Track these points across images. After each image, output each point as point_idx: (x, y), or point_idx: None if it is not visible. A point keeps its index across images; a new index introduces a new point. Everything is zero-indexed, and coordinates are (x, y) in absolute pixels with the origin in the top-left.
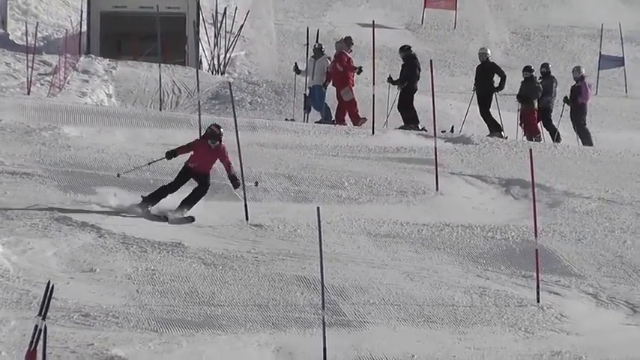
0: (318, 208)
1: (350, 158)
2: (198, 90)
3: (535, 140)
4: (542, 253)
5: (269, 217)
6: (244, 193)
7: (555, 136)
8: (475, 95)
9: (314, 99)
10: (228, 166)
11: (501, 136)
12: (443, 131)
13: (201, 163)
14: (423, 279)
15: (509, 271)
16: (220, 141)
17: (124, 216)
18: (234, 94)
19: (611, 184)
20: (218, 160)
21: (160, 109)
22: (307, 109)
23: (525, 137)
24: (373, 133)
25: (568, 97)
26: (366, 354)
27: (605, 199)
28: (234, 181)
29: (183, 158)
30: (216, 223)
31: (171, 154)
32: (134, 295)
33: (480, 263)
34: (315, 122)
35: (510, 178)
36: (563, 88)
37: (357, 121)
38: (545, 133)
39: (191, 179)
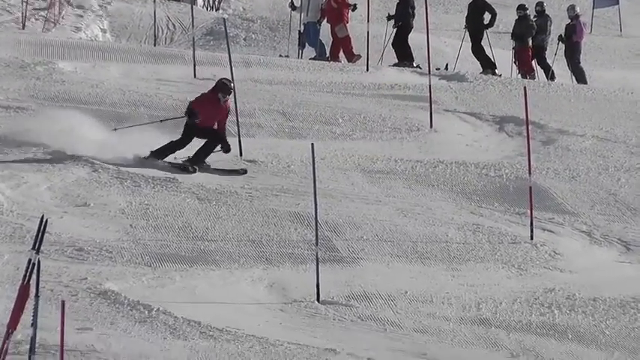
0: (312, 144)
1: (344, 95)
2: (193, 26)
3: (529, 78)
4: (536, 191)
5: (263, 153)
6: (238, 129)
7: (550, 75)
8: (467, 33)
9: (308, 35)
10: (224, 125)
11: (494, 74)
12: (437, 69)
13: (206, 118)
14: (416, 215)
15: (503, 208)
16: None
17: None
18: (228, 31)
19: (605, 123)
20: None
21: (155, 45)
22: (302, 46)
23: (520, 75)
24: (367, 70)
25: (563, 35)
26: (358, 290)
27: (599, 137)
28: (224, 141)
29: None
30: (210, 159)
31: (193, 114)
32: (128, 230)
33: (473, 200)
34: (310, 59)
35: (504, 116)
36: (557, 26)
37: (352, 57)
38: (539, 72)
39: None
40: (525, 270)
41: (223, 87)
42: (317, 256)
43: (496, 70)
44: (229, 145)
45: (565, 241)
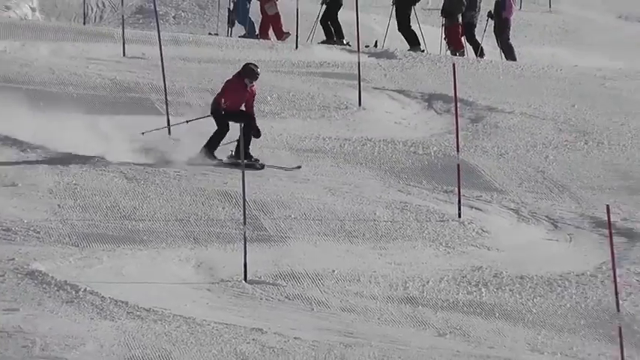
0: (241, 123)
1: (273, 73)
2: (122, 4)
3: (459, 55)
4: (464, 169)
5: (191, 131)
6: (166, 108)
7: (479, 51)
8: (394, 9)
9: (238, 13)
10: (251, 109)
11: (421, 50)
12: (366, 46)
13: (233, 102)
14: (344, 194)
15: (431, 186)
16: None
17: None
18: (158, 9)
19: (533, 100)
20: None
21: (84, 24)
22: (231, 24)
23: (449, 52)
24: (297, 47)
25: (492, 11)
26: (286, 269)
27: (527, 114)
28: (254, 127)
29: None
30: (139, 137)
31: (217, 111)
32: (55, 210)
33: (401, 178)
34: (239, 36)
35: (433, 93)
36: (487, 2)
37: (281, 35)
38: (468, 49)
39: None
40: (453, 248)
41: (250, 73)
42: (245, 236)
43: (422, 47)
44: (259, 130)
45: (493, 218)
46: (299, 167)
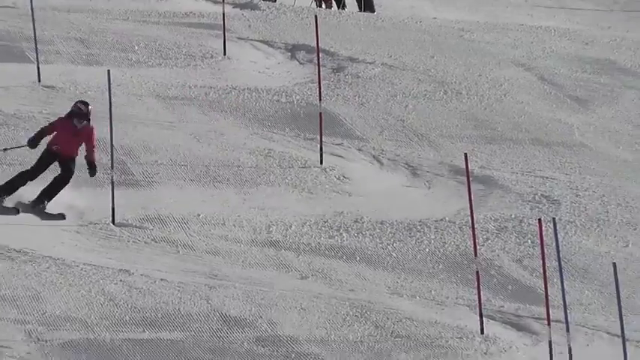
0: (108, 70)
1: (140, 22)
2: None
3: (326, 7)
4: (326, 117)
5: (61, 79)
6: (37, 55)
7: (341, 4)
8: None
9: None
10: (91, 150)
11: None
12: None
13: (65, 147)
14: (210, 140)
15: (294, 133)
16: (88, 120)
17: None
18: None
19: (393, 51)
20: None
21: None
22: None
23: (315, 4)
24: None
25: None
26: (153, 213)
27: (388, 64)
28: (92, 168)
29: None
30: (9, 84)
31: (34, 142)
32: None
33: (265, 126)
34: None
35: (296, 44)
36: None
37: None
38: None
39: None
40: (315, 194)
41: (78, 112)
42: (112, 180)
43: None
44: (96, 171)
45: (354, 165)
46: (64, 217)
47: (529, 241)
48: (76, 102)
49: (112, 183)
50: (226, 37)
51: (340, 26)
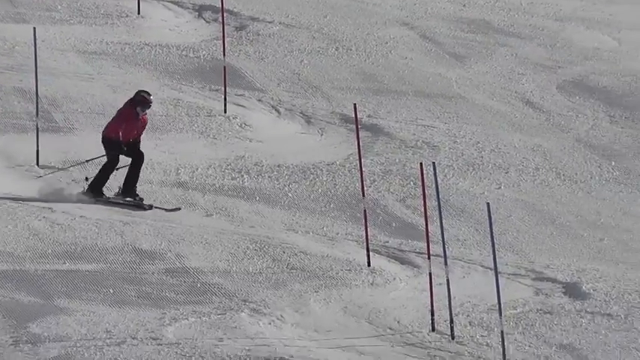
0: (34, 27)
1: None
2: None
3: None
4: (229, 70)
5: None
6: None
7: None
8: None
9: None
10: (139, 136)
11: None
12: None
13: (126, 132)
14: (125, 91)
15: (201, 85)
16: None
17: None
18: None
19: (290, 11)
20: None
21: None
22: None
23: None
24: None
25: None
26: (73, 156)
27: (285, 23)
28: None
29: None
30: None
31: (112, 141)
32: None
33: (174, 78)
34: None
35: (203, 4)
36: None
37: None
38: None
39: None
40: (219, 139)
41: (144, 102)
42: (37, 127)
43: None
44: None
45: (254, 114)
46: (178, 209)
47: (411, 183)
48: (140, 92)
49: (37, 129)
50: None
51: None
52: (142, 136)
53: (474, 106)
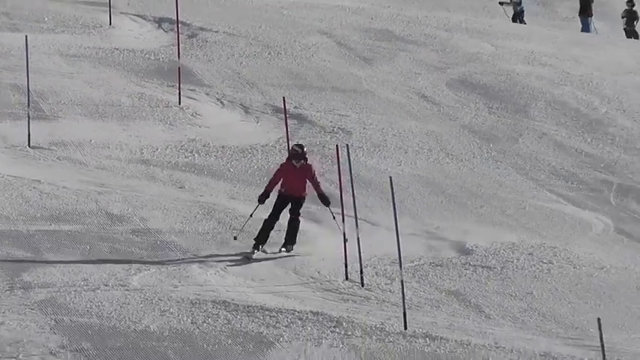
0: (26, 36)
1: (50, 1)
2: None
3: None
4: (183, 70)
5: None
6: None
7: None
8: None
9: None
10: (317, 185)
11: None
12: None
13: (291, 186)
14: (99, 87)
15: (160, 82)
16: (305, 160)
17: None
18: None
19: (232, 22)
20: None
21: None
22: None
23: None
24: None
25: None
26: (57, 139)
27: (228, 32)
28: (324, 199)
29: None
30: None
31: (264, 196)
32: None
33: (139, 76)
34: None
35: (162, 17)
36: None
37: None
38: None
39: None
40: (175, 126)
41: (294, 154)
42: (29, 115)
43: None
44: (329, 200)
45: (203, 105)
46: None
47: (329, 161)
48: (293, 145)
49: (29, 117)
50: (111, 12)
51: (194, 3)
52: (322, 190)
53: (379, 99)
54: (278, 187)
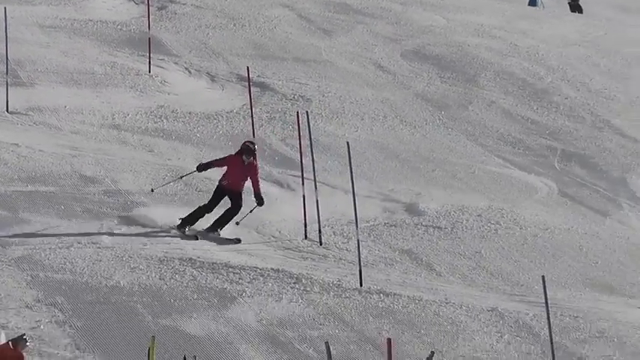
0: (5, 7)
1: None
2: None
3: None
4: (153, 40)
5: None
6: None
7: None
8: None
9: None
10: (256, 183)
11: None
12: None
13: (234, 180)
14: (74, 56)
15: (131, 51)
16: (254, 157)
17: None
18: None
19: None
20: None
21: None
22: None
23: None
24: None
25: None
26: (34, 104)
27: (195, 5)
28: (260, 199)
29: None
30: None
31: (202, 167)
32: None
33: (111, 46)
34: None
35: None
36: None
37: None
38: None
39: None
40: (145, 93)
41: (247, 150)
42: (7, 82)
43: None
44: (263, 200)
45: (171, 74)
46: (239, 241)
47: (290, 127)
48: (245, 141)
49: (7, 84)
50: None
51: None
52: (260, 188)
53: (337, 69)
54: (219, 176)
